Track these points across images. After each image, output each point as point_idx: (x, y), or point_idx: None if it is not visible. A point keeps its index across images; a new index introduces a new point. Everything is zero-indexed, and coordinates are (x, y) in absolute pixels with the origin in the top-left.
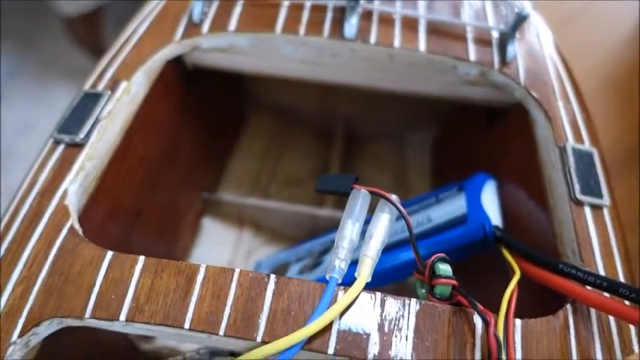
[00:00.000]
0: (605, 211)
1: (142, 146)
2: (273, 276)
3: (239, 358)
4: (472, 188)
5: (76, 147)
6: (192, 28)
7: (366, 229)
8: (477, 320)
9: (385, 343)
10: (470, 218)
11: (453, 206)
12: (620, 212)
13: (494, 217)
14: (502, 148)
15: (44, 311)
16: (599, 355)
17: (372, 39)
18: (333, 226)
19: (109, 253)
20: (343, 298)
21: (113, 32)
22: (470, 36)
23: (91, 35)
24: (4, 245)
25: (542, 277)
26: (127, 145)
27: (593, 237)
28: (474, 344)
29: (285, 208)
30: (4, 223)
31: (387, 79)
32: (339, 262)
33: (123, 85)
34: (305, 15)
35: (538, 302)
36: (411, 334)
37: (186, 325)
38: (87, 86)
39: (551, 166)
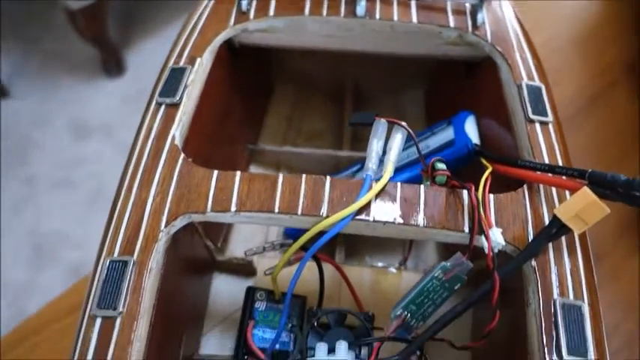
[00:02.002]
0: (550, 126)
1: (209, 106)
2: (328, 177)
3: (319, 224)
4: (457, 121)
5: (174, 106)
6: (241, 15)
7: (387, 147)
8: (465, 196)
9: (405, 212)
10: (457, 141)
11: (444, 135)
12: (586, 151)
13: (475, 139)
14: (478, 92)
15: (179, 210)
16: (545, 214)
17: (377, 15)
18: (351, 163)
19: (215, 172)
20: (376, 185)
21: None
22: (449, 9)
23: (94, 27)
24: (140, 171)
25: (508, 172)
26: (201, 105)
27: (541, 143)
28: (463, 211)
29: (312, 152)
30: (134, 159)
31: (389, 45)
32: (371, 164)
33: (198, 60)
34: (325, 1)
35: (505, 189)
36: (421, 207)
37: (276, 210)
38: (171, 63)
39: (512, 99)
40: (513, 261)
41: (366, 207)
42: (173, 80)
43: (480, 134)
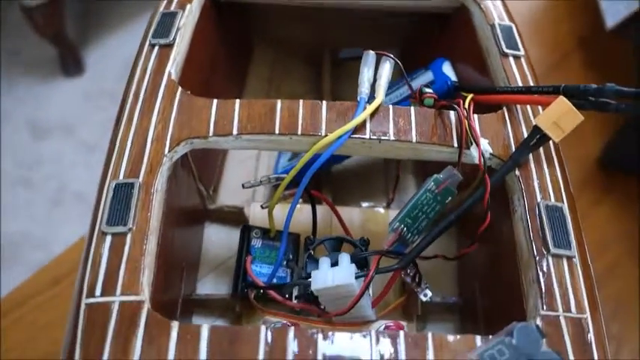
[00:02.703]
0: (522, 60)
1: (197, 54)
2: (324, 102)
3: (318, 143)
4: (435, 66)
5: (168, 46)
6: None
7: (377, 75)
8: (452, 116)
9: (399, 130)
10: (437, 80)
11: (424, 77)
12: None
13: (453, 78)
14: (453, 43)
15: (181, 135)
16: (524, 130)
17: None
18: None
19: (214, 100)
20: (370, 105)
21: (73, 21)
22: None
23: (52, 25)
24: (139, 103)
25: (488, 99)
26: (191, 51)
27: (515, 74)
28: (451, 129)
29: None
30: (132, 94)
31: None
32: (363, 89)
33: (187, 7)
34: None
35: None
36: (413, 125)
37: (276, 131)
38: (161, 9)
39: (487, 39)
40: (501, 168)
41: (361, 126)
42: (165, 23)
43: (457, 78)
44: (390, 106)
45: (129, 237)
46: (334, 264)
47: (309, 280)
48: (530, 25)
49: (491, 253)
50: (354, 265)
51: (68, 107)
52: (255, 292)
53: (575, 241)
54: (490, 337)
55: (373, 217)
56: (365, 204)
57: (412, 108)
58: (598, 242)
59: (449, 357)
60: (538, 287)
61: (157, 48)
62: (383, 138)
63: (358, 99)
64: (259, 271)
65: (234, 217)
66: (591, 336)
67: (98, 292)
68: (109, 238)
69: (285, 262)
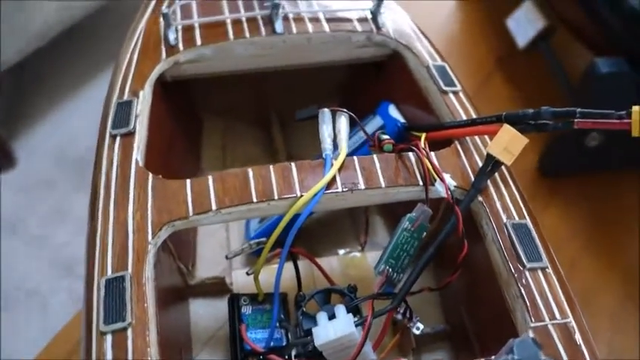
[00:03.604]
0: (461, 94)
1: (155, 138)
2: (293, 164)
3: (296, 204)
4: (381, 110)
5: (129, 135)
6: (170, 48)
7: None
8: (411, 157)
9: (367, 178)
10: (387, 124)
11: (374, 123)
12: None
13: (401, 119)
14: (391, 86)
15: (161, 220)
16: (477, 160)
17: (294, 30)
18: None
19: (187, 180)
20: (337, 160)
21: None
22: (354, 17)
23: None
24: (112, 196)
25: (439, 135)
26: (149, 136)
27: (458, 108)
28: (413, 169)
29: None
30: (102, 188)
31: (307, 56)
32: (327, 146)
33: (141, 93)
34: (245, 24)
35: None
36: (379, 172)
37: (254, 199)
38: (114, 99)
39: (425, 80)
40: (466, 197)
41: (332, 181)
42: (122, 113)
43: (403, 116)
44: (355, 158)
45: (129, 332)
46: (331, 317)
47: (309, 337)
48: (451, 49)
49: (471, 277)
50: (350, 314)
51: (6, 204)
52: (255, 359)
53: (544, 252)
54: (492, 357)
55: (352, 263)
56: (341, 251)
57: (374, 156)
58: (553, 244)
59: None
60: (522, 302)
61: (118, 138)
62: (355, 189)
63: (323, 156)
64: (255, 337)
65: (217, 288)
66: (578, 336)
67: None
68: (109, 338)
69: (278, 324)
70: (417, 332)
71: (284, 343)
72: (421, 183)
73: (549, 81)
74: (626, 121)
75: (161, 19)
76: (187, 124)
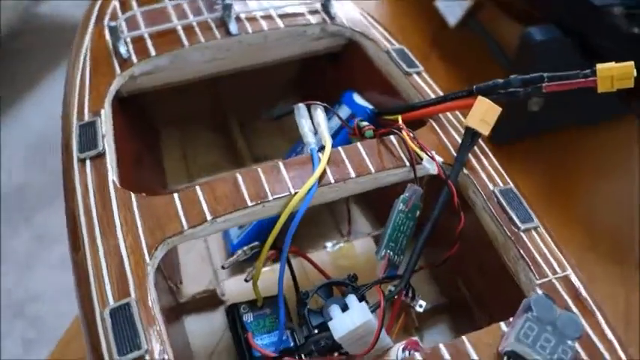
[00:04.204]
0: (424, 74)
1: (123, 151)
2: (280, 162)
3: (291, 202)
4: (346, 99)
5: (100, 156)
6: (124, 62)
7: (314, 124)
8: (393, 140)
9: (357, 167)
10: (356, 111)
11: (342, 113)
12: None
13: (369, 106)
14: (350, 73)
15: (155, 239)
16: (454, 135)
17: (249, 30)
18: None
19: (174, 194)
20: (324, 154)
21: None
22: (306, 10)
23: None
24: (96, 225)
25: (412, 116)
26: (117, 150)
27: (424, 87)
28: (398, 151)
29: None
30: (82, 216)
31: (264, 54)
32: (310, 139)
33: (102, 111)
34: (197, 29)
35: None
36: (366, 158)
37: (249, 203)
38: (74, 120)
39: (386, 64)
40: (453, 171)
41: (323, 174)
42: (87, 135)
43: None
44: (340, 148)
45: (148, 359)
46: (344, 309)
47: (321, 334)
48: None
49: (464, 248)
50: (364, 302)
51: None
52: None
53: (533, 213)
54: (510, 319)
55: (341, 254)
56: (328, 244)
57: (358, 144)
58: None
59: (490, 351)
60: (524, 262)
61: (88, 162)
62: (347, 178)
63: (309, 150)
64: (262, 343)
65: (209, 301)
66: (580, 286)
67: None
68: None
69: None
70: (421, 310)
71: (291, 344)
72: (408, 164)
73: (484, 55)
74: (591, 79)
75: (107, 33)
76: (147, 138)
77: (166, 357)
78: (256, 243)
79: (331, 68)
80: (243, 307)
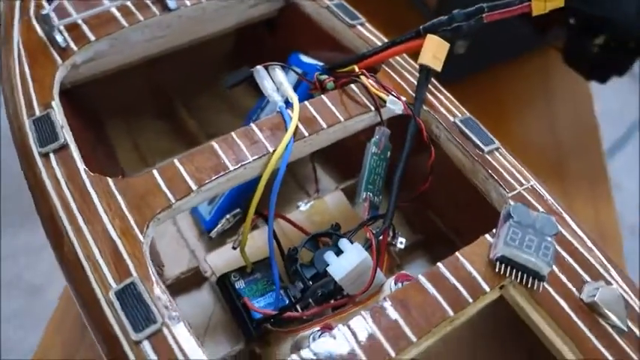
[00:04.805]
0: (367, 24)
1: (80, 141)
2: (252, 124)
3: (275, 155)
4: (293, 61)
5: (63, 148)
6: (63, 51)
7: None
8: (355, 88)
9: (326, 118)
10: (308, 72)
11: (292, 75)
12: None
13: (318, 63)
14: (290, 36)
15: (145, 217)
16: (407, 75)
17: (188, 3)
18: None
19: (153, 169)
20: (294, 110)
21: None
22: None
23: None
24: (78, 216)
25: (366, 64)
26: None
27: (369, 36)
28: (360, 97)
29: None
30: (58, 206)
31: (203, 28)
32: (276, 98)
33: (53, 103)
34: (133, 9)
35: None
36: (333, 109)
37: (230, 167)
38: (25, 117)
39: (328, 20)
40: (415, 108)
41: (296, 129)
42: (43, 129)
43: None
44: (306, 103)
45: (166, 330)
46: (337, 254)
47: (328, 277)
48: None
49: (434, 182)
50: (356, 243)
51: None
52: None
53: (492, 135)
54: (494, 230)
55: (314, 211)
56: (299, 204)
57: (322, 96)
58: None
59: (482, 260)
60: (493, 180)
61: (52, 155)
62: (319, 130)
63: (277, 108)
64: (258, 306)
65: (194, 279)
66: (544, 193)
67: None
68: (146, 344)
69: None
70: (402, 246)
71: (287, 302)
72: (373, 108)
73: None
74: (526, 4)
75: (36, 25)
76: (96, 131)
77: (184, 324)
78: (238, 210)
79: (269, 36)
80: (234, 275)
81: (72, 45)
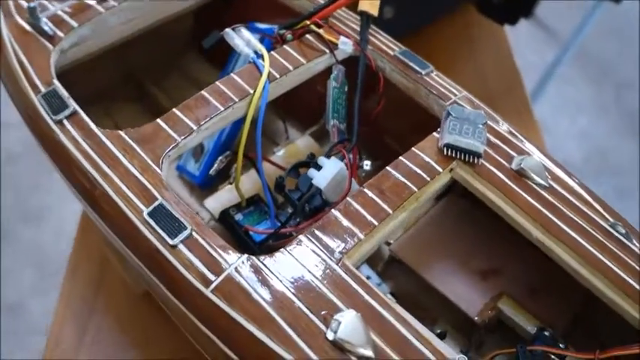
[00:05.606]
0: None
1: None
2: (233, 74)
3: (255, 93)
4: (251, 28)
5: (74, 114)
6: (51, 39)
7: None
8: (311, 38)
9: (291, 61)
10: (266, 32)
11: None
12: None
13: (274, 26)
14: (246, 8)
15: (157, 154)
16: (350, 24)
17: None
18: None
19: (158, 120)
20: (265, 58)
21: None
22: None
23: None
24: (100, 163)
25: (312, 20)
26: None
27: None
28: (315, 44)
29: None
30: (83, 160)
31: (169, 7)
32: (248, 51)
33: (54, 81)
34: None
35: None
36: (295, 54)
37: (221, 108)
38: (33, 96)
39: None
40: (362, 46)
41: (269, 74)
42: (52, 101)
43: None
44: (273, 52)
45: (196, 234)
46: (318, 170)
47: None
48: None
49: (384, 111)
50: (332, 157)
51: None
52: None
53: (425, 59)
54: (438, 129)
55: (289, 153)
56: (275, 149)
57: (285, 46)
58: None
59: (433, 149)
60: (432, 94)
61: (66, 121)
62: (288, 72)
63: (250, 59)
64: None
65: None
66: (473, 99)
67: (212, 277)
68: (182, 247)
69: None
70: (368, 168)
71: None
72: (328, 50)
73: None
74: None
75: (21, 21)
76: None
77: (210, 230)
78: (228, 152)
79: (227, 10)
80: (232, 210)
81: (58, 32)
